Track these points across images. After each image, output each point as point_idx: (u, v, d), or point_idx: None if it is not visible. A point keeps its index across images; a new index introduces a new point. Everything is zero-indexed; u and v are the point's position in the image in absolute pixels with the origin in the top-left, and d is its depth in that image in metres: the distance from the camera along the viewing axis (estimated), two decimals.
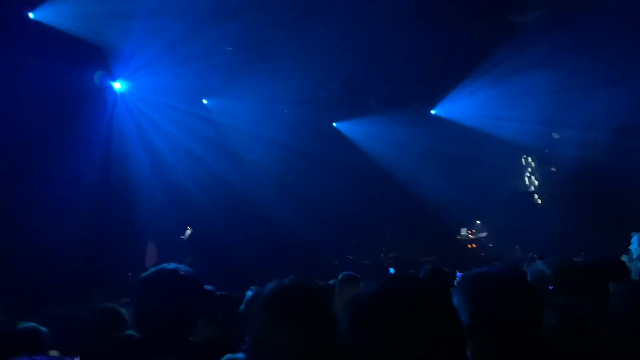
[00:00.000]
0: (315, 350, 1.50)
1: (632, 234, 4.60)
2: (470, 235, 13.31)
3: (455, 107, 12.65)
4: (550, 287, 1.67)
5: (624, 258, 4.24)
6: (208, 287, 3.13)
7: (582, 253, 7.72)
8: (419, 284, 1.13)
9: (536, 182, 14.58)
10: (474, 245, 13.16)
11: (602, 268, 3.30)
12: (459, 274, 4.79)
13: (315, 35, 8.58)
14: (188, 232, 9.91)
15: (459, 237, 13.43)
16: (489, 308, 1.55)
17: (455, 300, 1.62)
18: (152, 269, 1.90)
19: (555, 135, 12.89)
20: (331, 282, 4.76)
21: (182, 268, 1.89)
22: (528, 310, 1.55)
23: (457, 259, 10.42)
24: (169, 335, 1.75)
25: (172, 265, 1.87)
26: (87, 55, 8.21)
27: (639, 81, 9.14)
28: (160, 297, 1.78)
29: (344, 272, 4.69)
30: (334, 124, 13.37)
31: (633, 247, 4.56)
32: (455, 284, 2.37)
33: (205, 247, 9.78)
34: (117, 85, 9.27)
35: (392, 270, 9.75)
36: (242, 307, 3.53)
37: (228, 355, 2.24)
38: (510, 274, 1.74)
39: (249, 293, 3.71)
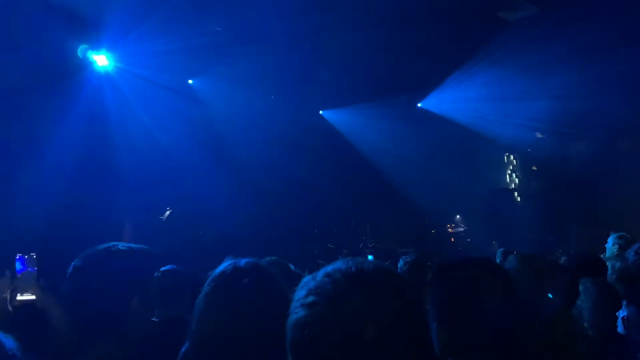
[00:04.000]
0: (261, 332, 1.46)
1: (611, 233, 4.68)
2: (449, 229, 13.43)
3: (441, 102, 12.71)
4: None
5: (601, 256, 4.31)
6: (172, 266, 3.06)
7: (560, 250, 7.81)
8: (379, 267, 1.10)
9: (517, 180, 14.75)
10: (452, 239, 13.28)
11: (574, 266, 3.35)
12: None
13: (305, 20, 8.50)
14: (167, 213, 9.83)
15: (437, 231, 13.54)
16: (463, 296, 1.54)
17: (432, 290, 1.61)
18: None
19: (539, 135, 13.02)
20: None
21: (120, 245, 1.75)
22: (502, 299, 1.53)
23: (435, 252, 10.51)
24: (99, 316, 1.62)
25: (107, 244, 1.75)
26: (70, 27, 7.99)
27: (631, 83, 9.24)
28: (87, 276, 1.65)
29: (315, 261, 4.68)
30: (321, 112, 13.33)
31: (608, 245, 4.65)
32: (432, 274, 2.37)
33: (184, 228, 9.72)
34: (101, 60, 9.06)
35: (370, 258, 9.77)
36: None
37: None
38: (485, 263, 1.72)
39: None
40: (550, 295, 1.90)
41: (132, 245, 1.77)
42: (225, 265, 1.61)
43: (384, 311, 1.00)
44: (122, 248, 1.76)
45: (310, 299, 1.02)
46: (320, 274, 1.07)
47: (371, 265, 1.07)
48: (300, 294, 1.06)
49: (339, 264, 1.08)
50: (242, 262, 1.63)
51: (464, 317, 1.51)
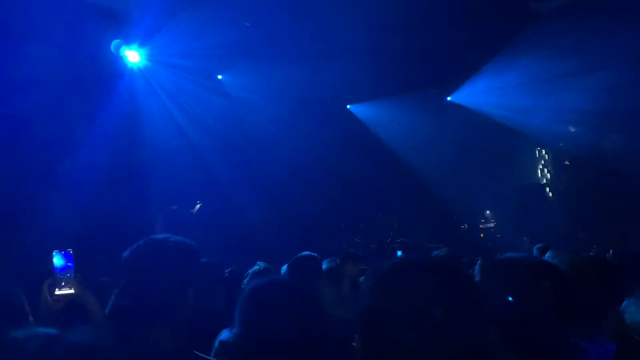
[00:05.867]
0: (301, 339, 1.60)
1: None
2: (480, 225, 13.25)
3: (471, 95, 12.52)
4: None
5: None
6: (208, 259, 3.11)
7: (595, 247, 7.62)
8: (436, 259, 1.13)
9: (549, 175, 14.44)
10: (481, 235, 13.10)
11: (620, 263, 3.24)
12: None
13: (332, 15, 8.46)
14: (197, 206, 9.95)
15: (466, 226, 13.37)
16: (516, 296, 1.49)
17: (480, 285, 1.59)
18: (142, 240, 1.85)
19: (572, 129, 12.70)
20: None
21: (173, 238, 1.84)
22: (556, 300, 1.48)
23: (463, 247, 10.38)
24: (157, 305, 1.72)
25: (161, 236, 1.84)
26: (104, 23, 8.12)
27: None
28: (146, 266, 1.75)
29: (347, 250, 4.71)
30: (348, 106, 13.28)
31: None
32: (478, 268, 2.33)
33: (214, 221, 9.82)
34: (133, 55, 9.19)
35: (399, 253, 9.72)
36: (245, 281, 3.55)
37: (225, 331, 2.24)
38: (540, 261, 1.69)
39: (255, 268, 3.72)
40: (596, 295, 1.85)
41: (179, 238, 1.84)
42: (260, 280, 1.76)
43: (448, 300, 1.03)
44: (175, 240, 1.82)
45: (377, 284, 1.09)
46: (386, 264, 1.13)
47: (441, 258, 1.11)
48: (367, 282, 1.12)
49: (407, 256, 1.16)
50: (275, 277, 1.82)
51: (516, 317, 1.47)
